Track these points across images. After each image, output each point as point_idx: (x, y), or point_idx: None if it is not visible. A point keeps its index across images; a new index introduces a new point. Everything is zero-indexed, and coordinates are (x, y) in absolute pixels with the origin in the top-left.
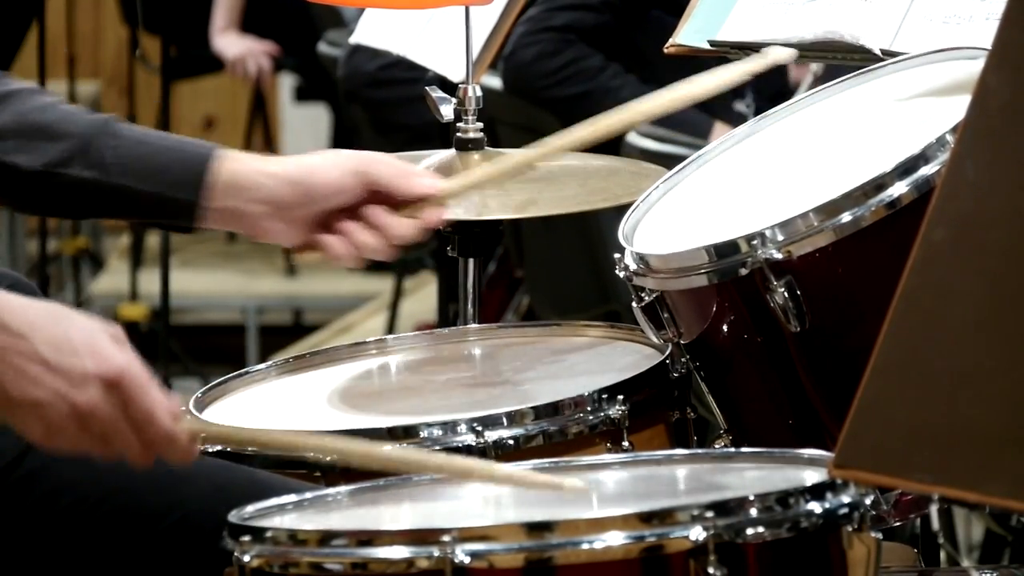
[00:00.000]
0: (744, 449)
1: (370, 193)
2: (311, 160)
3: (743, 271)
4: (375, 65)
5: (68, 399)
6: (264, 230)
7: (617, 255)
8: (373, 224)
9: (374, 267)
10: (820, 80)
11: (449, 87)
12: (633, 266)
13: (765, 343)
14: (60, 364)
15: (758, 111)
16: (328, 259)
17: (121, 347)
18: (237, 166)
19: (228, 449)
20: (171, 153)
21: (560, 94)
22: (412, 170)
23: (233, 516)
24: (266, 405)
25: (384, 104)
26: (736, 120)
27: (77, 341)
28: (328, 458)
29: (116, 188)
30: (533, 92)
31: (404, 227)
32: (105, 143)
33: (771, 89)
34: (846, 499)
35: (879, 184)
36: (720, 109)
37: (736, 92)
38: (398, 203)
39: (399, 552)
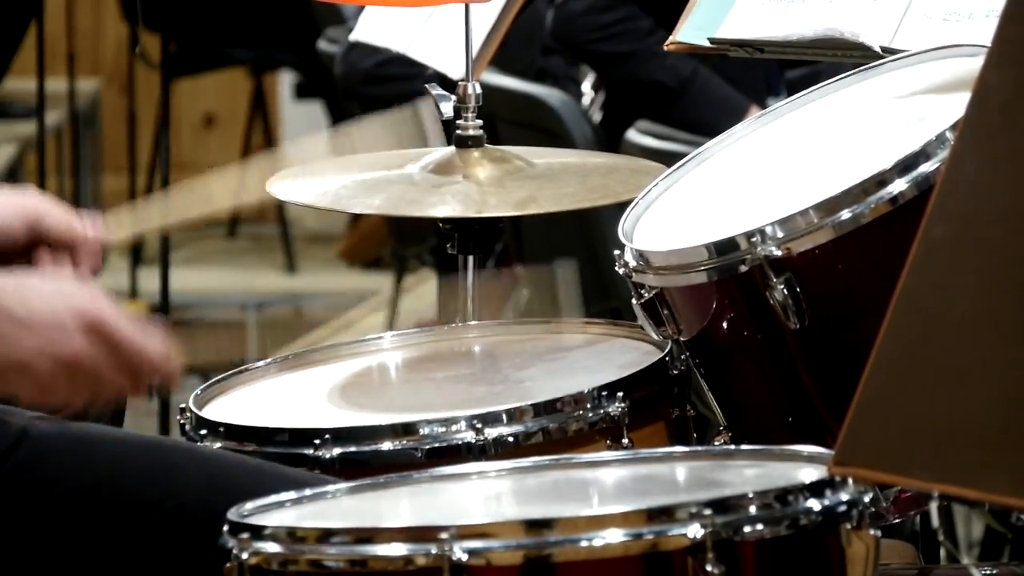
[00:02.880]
0: (744, 446)
1: (37, 238)
2: None
3: (743, 268)
4: (372, 62)
5: (50, 353)
6: None
7: (617, 252)
8: (41, 268)
9: (373, 264)
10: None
11: (449, 84)
12: (633, 263)
13: (765, 340)
14: (34, 319)
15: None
16: None
17: (87, 286)
18: None
19: (227, 446)
20: None
21: (606, 49)
22: (77, 220)
23: (232, 513)
24: (266, 402)
25: (381, 101)
26: None
27: (46, 292)
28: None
29: None
30: (579, 44)
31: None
32: None
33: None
34: (845, 497)
35: (879, 181)
36: (754, 101)
37: (771, 87)
38: (65, 249)
39: (397, 549)
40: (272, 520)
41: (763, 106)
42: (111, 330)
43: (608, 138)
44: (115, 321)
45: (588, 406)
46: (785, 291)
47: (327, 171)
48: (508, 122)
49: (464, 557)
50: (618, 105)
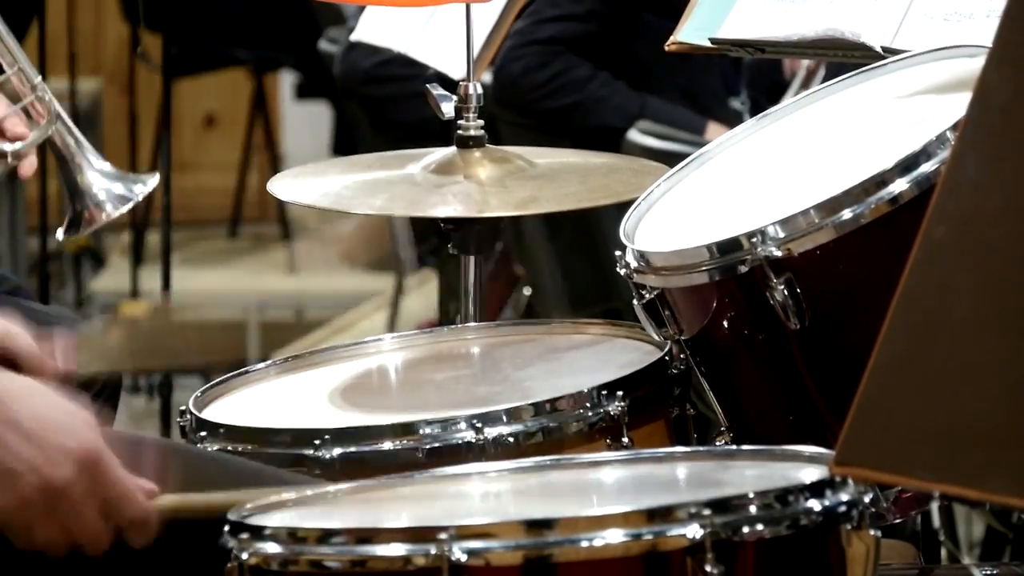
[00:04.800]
0: (744, 447)
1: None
2: None
3: (743, 268)
4: (371, 62)
5: (42, 473)
6: None
7: (618, 252)
8: None
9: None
10: (814, 72)
11: (450, 84)
12: (634, 263)
13: (766, 340)
14: (38, 437)
15: (753, 106)
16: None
17: (94, 430)
18: None
19: (228, 448)
20: None
21: (550, 106)
22: (43, 351)
23: (232, 514)
24: (266, 403)
25: (381, 101)
26: (731, 117)
27: (56, 418)
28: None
29: None
30: (524, 105)
31: None
32: None
33: (765, 84)
34: (845, 497)
35: (880, 181)
36: (715, 106)
37: (730, 89)
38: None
39: (396, 550)
40: (272, 520)
41: (725, 109)
42: (104, 473)
43: (608, 140)
44: (114, 468)
45: (588, 405)
46: (786, 291)
47: (329, 171)
48: (509, 122)
49: (463, 557)
50: None
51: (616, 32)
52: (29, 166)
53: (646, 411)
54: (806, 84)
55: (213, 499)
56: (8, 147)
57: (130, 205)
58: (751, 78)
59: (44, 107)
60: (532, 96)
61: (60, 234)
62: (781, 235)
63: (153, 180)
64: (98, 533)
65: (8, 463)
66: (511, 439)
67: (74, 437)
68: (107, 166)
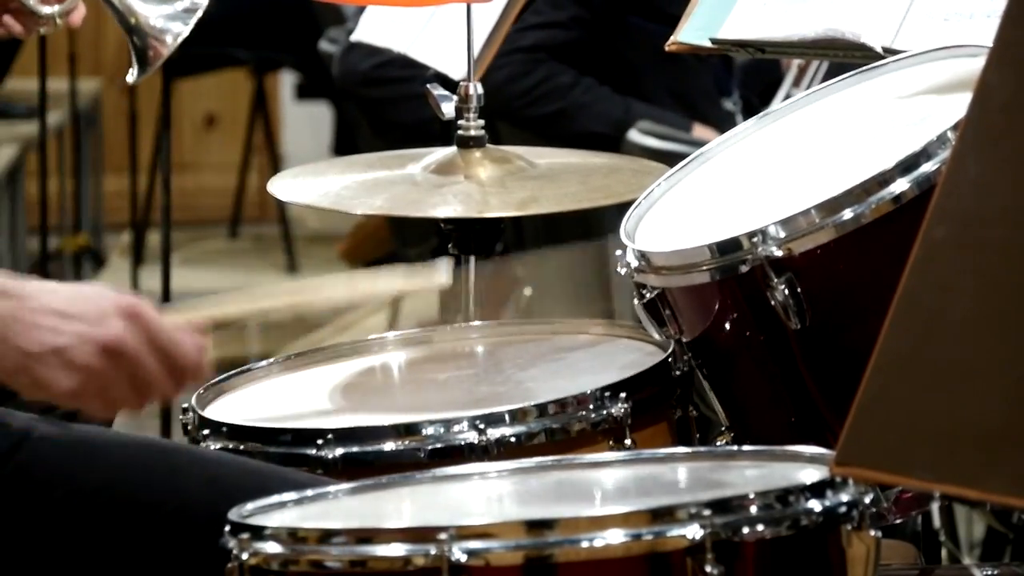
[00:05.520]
0: (745, 447)
1: None
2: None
3: (744, 268)
4: (370, 63)
5: (92, 337)
6: None
7: (619, 252)
8: None
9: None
10: (804, 70)
11: (450, 85)
12: (635, 263)
13: (766, 340)
14: (75, 309)
15: (745, 107)
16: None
17: (120, 292)
18: None
19: (230, 446)
20: None
21: (535, 113)
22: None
23: (233, 514)
24: (268, 401)
25: (379, 102)
26: (723, 117)
27: (84, 290)
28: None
29: None
30: (508, 113)
31: None
32: None
33: (758, 85)
34: (846, 497)
35: (880, 181)
36: (707, 107)
37: (723, 89)
38: None
39: (396, 550)
40: (273, 521)
41: (717, 110)
42: (150, 318)
43: (609, 140)
44: (153, 313)
45: (591, 407)
46: (786, 291)
47: (329, 171)
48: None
49: (463, 558)
50: None
51: (603, 37)
52: (79, 15)
53: (649, 413)
54: (797, 82)
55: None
56: (49, 9)
57: (191, 24)
58: (743, 79)
59: None
60: (516, 104)
61: (132, 76)
62: (782, 235)
63: None
64: (163, 379)
65: (53, 342)
66: (514, 440)
67: (107, 298)
68: None
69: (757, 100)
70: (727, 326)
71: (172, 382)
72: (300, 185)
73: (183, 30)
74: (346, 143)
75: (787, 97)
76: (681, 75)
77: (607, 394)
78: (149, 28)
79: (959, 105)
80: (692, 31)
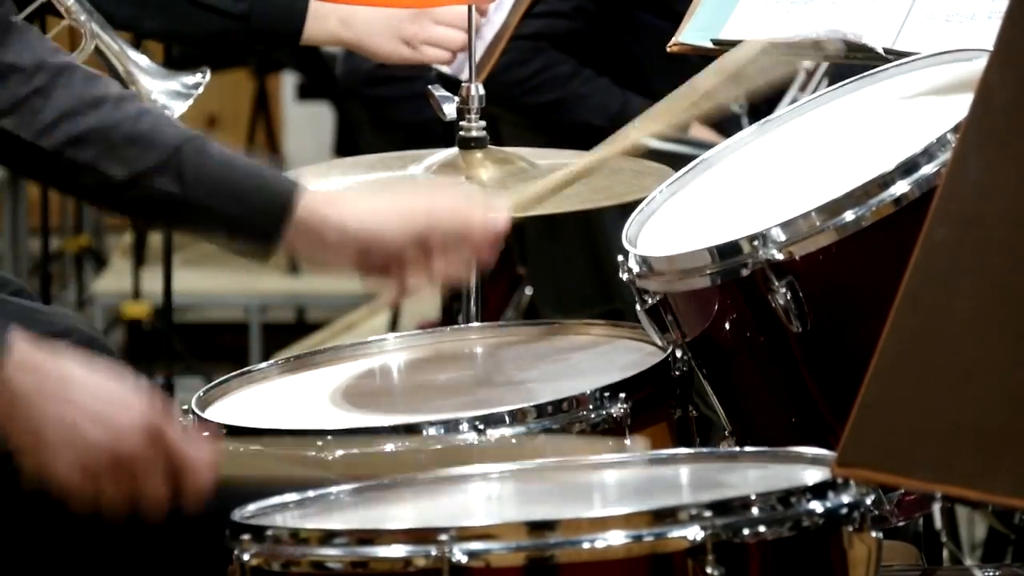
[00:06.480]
0: (747, 448)
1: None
2: (377, 222)
3: (745, 272)
4: (372, 63)
5: (110, 448)
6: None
7: (621, 257)
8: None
9: None
10: (812, 73)
11: (452, 85)
12: (637, 269)
13: (768, 343)
14: (102, 413)
15: (751, 110)
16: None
17: (154, 403)
18: (311, 210)
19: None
20: (257, 179)
21: (532, 102)
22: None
23: (235, 515)
24: (269, 403)
25: (382, 102)
26: (729, 120)
27: (116, 392)
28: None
29: (199, 206)
30: (506, 100)
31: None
32: (191, 159)
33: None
34: (847, 499)
35: (881, 183)
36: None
37: None
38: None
39: (397, 551)
40: (274, 522)
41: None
42: (170, 440)
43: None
44: (176, 431)
45: (591, 407)
46: (787, 294)
47: (331, 172)
48: (511, 123)
49: (464, 559)
50: None
51: (609, 30)
52: None
53: (649, 413)
54: (804, 86)
55: (263, 463)
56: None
57: (190, 101)
58: None
59: (80, 27)
60: (514, 91)
61: None
62: (782, 238)
63: (206, 74)
64: (161, 497)
65: (76, 444)
66: (513, 440)
67: (136, 410)
68: (152, 64)
69: (763, 104)
70: (729, 330)
71: (171, 498)
72: None
73: (182, 108)
74: (347, 143)
75: (793, 101)
76: (689, 74)
77: (606, 394)
78: (150, 101)
79: (960, 107)
80: (694, 32)
